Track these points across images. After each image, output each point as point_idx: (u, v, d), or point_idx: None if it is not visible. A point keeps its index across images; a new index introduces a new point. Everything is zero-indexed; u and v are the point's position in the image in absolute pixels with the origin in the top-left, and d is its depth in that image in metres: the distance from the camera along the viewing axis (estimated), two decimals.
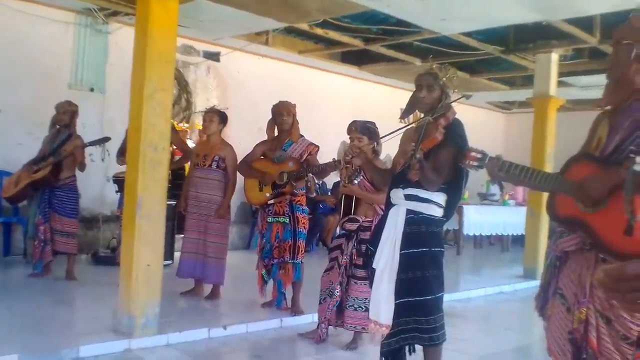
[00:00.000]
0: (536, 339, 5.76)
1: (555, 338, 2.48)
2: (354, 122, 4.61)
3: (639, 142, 1.83)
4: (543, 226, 8.71)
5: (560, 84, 9.37)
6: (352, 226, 4.63)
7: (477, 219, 10.67)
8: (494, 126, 14.44)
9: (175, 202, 6.61)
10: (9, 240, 7.33)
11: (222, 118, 5.90)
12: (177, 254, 6.63)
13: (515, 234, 11.41)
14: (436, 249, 3.29)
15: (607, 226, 2.27)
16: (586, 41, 7.74)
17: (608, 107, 2.55)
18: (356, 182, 4.55)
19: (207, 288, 5.91)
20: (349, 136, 4.59)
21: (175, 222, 7.28)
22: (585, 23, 7.25)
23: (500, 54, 8.75)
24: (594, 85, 10.09)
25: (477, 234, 11.20)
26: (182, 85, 9.15)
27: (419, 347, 3.38)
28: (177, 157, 6.47)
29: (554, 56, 8.62)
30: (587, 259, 2.38)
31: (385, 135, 3.47)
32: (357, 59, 10.01)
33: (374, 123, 4.66)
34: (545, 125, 8.69)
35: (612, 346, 2.26)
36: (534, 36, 8.23)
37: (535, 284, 8.13)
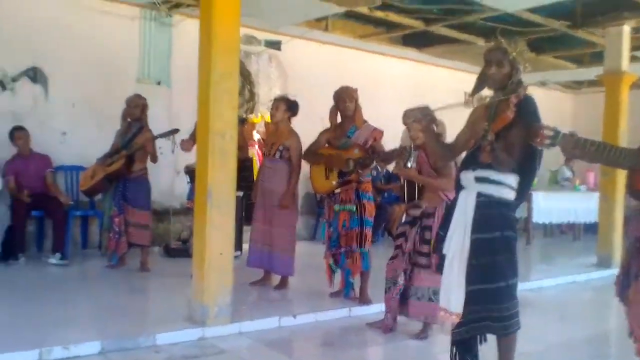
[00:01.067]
0: (611, 327, 5.57)
1: (639, 322, 2.37)
2: (405, 111, 4.52)
3: None
4: (617, 213, 8.34)
5: (634, 58, 8.91)
6: (416, 212, 4.56)
7: (547, 206, 10.27)
8: (562, 108, 13.90)
9: (242, 193, 6.67)
10: (86, 233, 7.62)
11: (290, 106, 5.81)
12: (245, 246, 6.72)
13: (587, 222, 10.93)
14: (509, 233, 3.16)
15: None
16: None
17: None
18: (409, 164, 4.47)
19: (276, 278, 5.95)
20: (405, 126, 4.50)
21: (243, 213, 7.35)
22: None
23: (567, 30, 8.38)
24: None
25: (547, 222, 10.79)
26: (245, 76, 9.22)
27: (491, 337, 3.26)
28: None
29: (626, 29, 8.20)
30: None
31: (442, 108, 3.36)
32: (418, 41, 9.82)
33: (428, 107, 4.54)
34: (618, 104, 8.30)
35: None
36: (603, 8, 7.83)
37: (609, 273, 7.88)
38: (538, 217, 10.21)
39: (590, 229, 10.55)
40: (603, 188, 8.70)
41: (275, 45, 9.31)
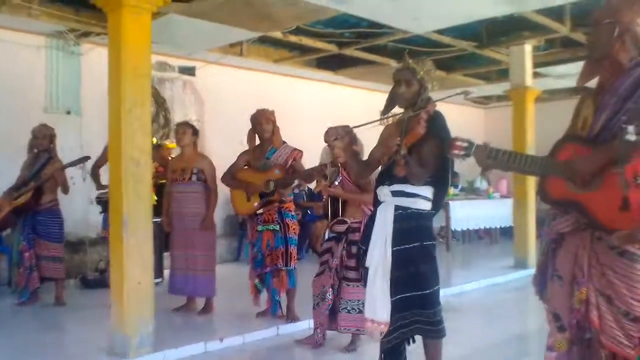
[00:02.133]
0: (535, 326, 5.78)
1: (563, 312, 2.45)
2: (327, 129, 4.59)
3: (632, 112, 1.82)
4: (530, 216, 8.78)
5: (536, 74, 9.48)
6: (341, 228, 4.62)
7: (464, 213, 10.67)
8: (474, 122, 14.49)
9: (160, 220, 6.53)
10: None
11: (195, 130, 5.90)
12: (166, 272, 6.56)
13: (503, 226, 11.44)
14: (428, 243, 3.28)
15: (602, 204, 2.27)
16: (557, 31, 7.82)
17: (590, 88, 2.56)
18: (336, 183, 4.54)
19: (200, 302, 5.85)
20: (327, 144, 4.56)
21: (162, 239, 7.19)
22: (555, 13, 7.32)
23: (474, 50, 8.80)
24: (568, 74, 10.20)
25: (464, 229, 11.23)
26: (159, 103, 9.08)
27: (418, 341, 3.34)
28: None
29: (527, 47, 8.71)
30: (583, 239, 2.38)
31: (359, 125, 3.43)
32: (333, 64, 10.03)
33: (348, 126, 4.62)
34: (524, 117, 8.77)
35: (614, 323, 2.25)
36: (506, 29, 8.28)
37: (527, 273, 8.21)
38: (456, 225, 10.58)
39: (506, 232, 11.05)
40: (516, 194, 9.09)
41: (189, 71, 9.24)
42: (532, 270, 8.37)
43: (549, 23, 7.51)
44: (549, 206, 2.57)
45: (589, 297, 2.32)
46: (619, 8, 2.43)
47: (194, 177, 5.68)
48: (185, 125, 5.92)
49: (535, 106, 9.04)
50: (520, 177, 8.58)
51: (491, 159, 2.57)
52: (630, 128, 1.73)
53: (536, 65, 9.24)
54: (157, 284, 5.80)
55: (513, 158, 2.54)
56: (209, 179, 5.72)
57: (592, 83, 2.58)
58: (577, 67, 9.32)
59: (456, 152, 2.72)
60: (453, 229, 10.60)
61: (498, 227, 11.64)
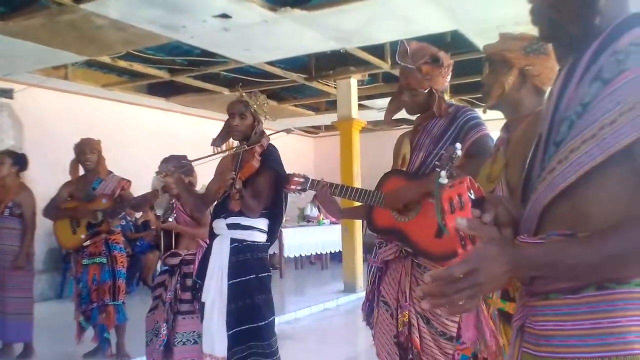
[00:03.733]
0: (364, 348, 6.07)
1: (383, 344, 2.66)
2: (159, 164, 4.53)
3: (443, 159, 2.05)
4: (357, 242, 9.21)
5: (361, 107, 10.07)
6: (175, 261, 4.51)
7: (296, 240, 10.96)
8: (304, 150, 15.00)
9: None
10: None
11: (17, 160, 5.45)
12: None
13: (332, 251, 11.90)
14: (263, 274, 3.34)
15: (420, 232, 2.50)
16: (380, 67, 8.39)
17: (408, 129, 2.83)
18: (171, 219, 4.46)
19: (18, 347, 5.38)
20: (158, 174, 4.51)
21: None
22: (378, 50, 7.86)
23: (304, 82, 9.15)
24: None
25: (297, 255, 11.49)
26: None
27: None
28: None
29: (353, 81, 9.22)
30: (405, 266, 2.60)
31: (196, 160, 3.45)
32: (164, 90, 9.85)
33: (185, 156, 4.60)
34: (351, 146, 9.24)
35: (433, 343, 2.47)
36: (333, 63, 8.72)
37: (356, 296, 8.60)
38: (289, 251, 10.83)
39: (336, 257, 11.52)
40: (344, 221, 9.47)
41: (6, 93, 8.53)
42: (360, 294, 8.78)
43: (372, 59, 8.05)
44: (376, 235, 2.79)
45: (411, 320, 2.53)
46: (413, 53, 2.70)
47: (7, 212, 5.27)
48: (5, 154, 5.46)
49: (361, 136, 9.59)
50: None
51: (329, 193, 2.75)
52: (443, 173, 1.95)
53: (361, 97, 9.83)
54: None
55: (347, 192, 2.73)
56: (27, 213, 5.31)
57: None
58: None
59: (293, 187, 2.85)
60: (286, 255, 10.81)
61: (328, 252, 12.06)
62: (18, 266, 5.22)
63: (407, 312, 2.53)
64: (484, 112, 2.19)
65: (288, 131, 3.69)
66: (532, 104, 2.04)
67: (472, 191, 1.24)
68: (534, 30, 1.33)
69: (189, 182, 4.46)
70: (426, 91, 2.65)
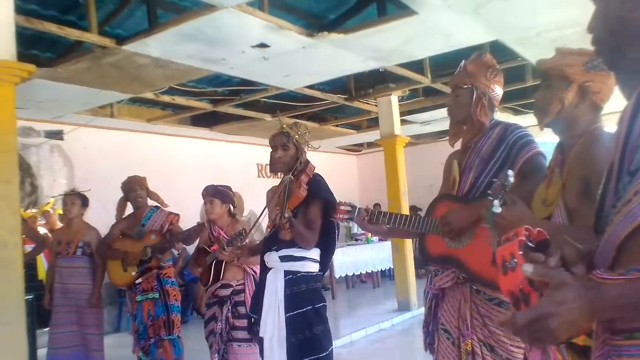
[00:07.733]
0: None
1: None
2: (206, 187, 4.56)
3: (494, 187, 1.99)
4: (409, 259, 9.07)
5: (403, 122, 9.99)
6: (226, 292, 4.49)
7: (346, 260, 10.88)
8: (347, 168, 14.95)
9: (32, 295, 6.08)
10: None
11: (84, 201, 5.58)
12: (41, 351, 6.08)
13: (383, 269, 11.77)
14: (319, 305, 3.31)
15: (475, 259, 2.43)
16: (420, 82, 8.32)
17: (457, 148, 2.76)
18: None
19: None
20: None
21: (34, 317, 6.66)
22: (416, 66, 7.80)
23: (344, 102, 9.15)
24: (431, 120, 10.88)
25: (348, 274, 11.40)
26: (24, 169, 8.54)
27: None
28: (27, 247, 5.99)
29: (394, 98, 9.17)
30: (463, 292, 2.52)
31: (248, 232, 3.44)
32: (207, 120, 9.98)
33: (228, 186, 4.62)
34: (396, 163, 9.14)
35: None
36: (373, 82, 8.72)
37: (410, 314, 8.46)
38: (339, 271, 10.74)
39: (387, 274, 11.29)
40: (394, 240, 9.39)
41: (56, 135, 8.79)
42: (415, 312, 8.62)
43: (412, 75, 7.99)
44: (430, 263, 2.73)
45: (474, 348, 2.45)
46: (474, 74, 2.66)
47: (79, 251, 5.38)
48: (74, 195, 5.57)
49: (405, 150, 9.51)
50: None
51: (372, 222, 2.70)
52: (496, 202, 1.90)
53: (402, 113, 9.76)
54: None
55: (393, 219, 2.68)
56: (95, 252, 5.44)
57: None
58: (438, 113, 10.04)
59: (341, 216, 2.83)
60: (337, 276, 10.75)
61: (379, 269, 11.94)
62: (93, 304, 5.35)
63: (469, 341, 2.46)
64: (541, 129, 2.11)
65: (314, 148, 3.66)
66: (588, 121, 1.96)
67: (531, 238, 1.19)
68: (581, 39, 1.28)
69: (229, 212, 4.48)
70: (467, 87, 2.62)
